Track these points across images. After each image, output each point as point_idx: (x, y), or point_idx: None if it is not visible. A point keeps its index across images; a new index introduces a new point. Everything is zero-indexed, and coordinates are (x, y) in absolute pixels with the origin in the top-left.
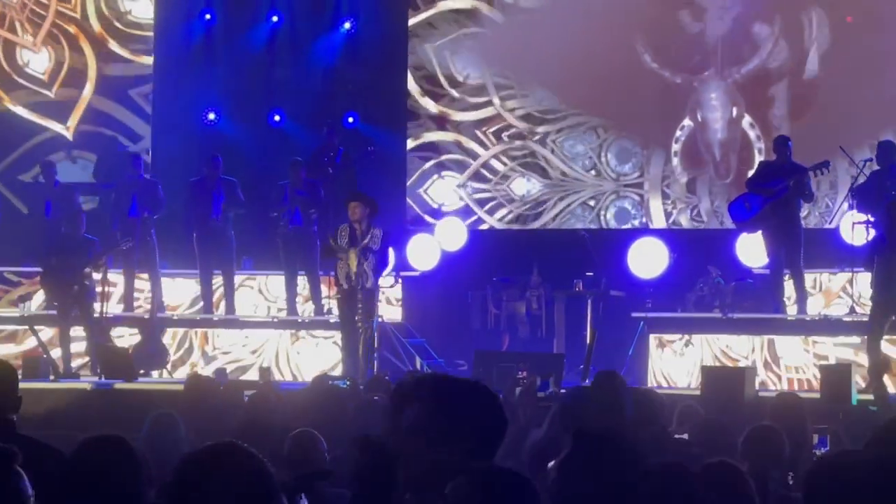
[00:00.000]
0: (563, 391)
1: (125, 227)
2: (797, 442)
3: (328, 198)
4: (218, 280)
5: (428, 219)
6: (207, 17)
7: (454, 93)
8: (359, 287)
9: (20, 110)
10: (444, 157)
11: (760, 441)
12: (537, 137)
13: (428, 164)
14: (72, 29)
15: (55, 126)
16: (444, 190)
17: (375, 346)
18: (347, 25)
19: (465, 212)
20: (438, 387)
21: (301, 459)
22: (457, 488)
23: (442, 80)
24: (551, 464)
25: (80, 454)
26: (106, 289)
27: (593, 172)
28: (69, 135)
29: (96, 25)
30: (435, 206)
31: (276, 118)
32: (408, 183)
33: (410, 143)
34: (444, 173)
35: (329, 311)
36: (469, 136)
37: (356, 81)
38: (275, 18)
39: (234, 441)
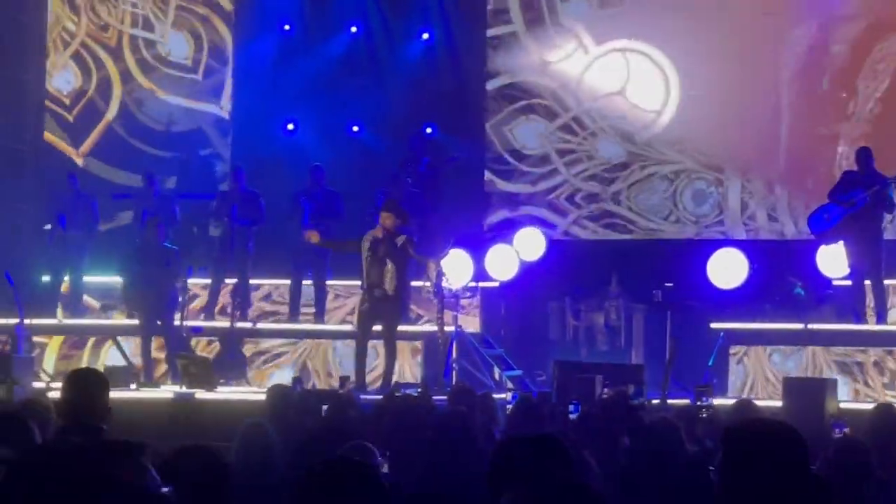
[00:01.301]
0: (649, 401)
1: (223, 237)
2: (888, 455)
3: (410, 208)
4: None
5: (508, 158)
6: (286, 27)
7: (557, 39)
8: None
9: (173, 98)
10: (534, 101)
11: (848, 454)
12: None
13: (518, 104)
14: (202, 10)
15: (210, 108)
16: (528, 133)
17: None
18: (426, 36)
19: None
20: None
21: None
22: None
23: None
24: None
25: (170, 464)
26: (187, 298)
27: (673, 219)
28: (226, 114)
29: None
30: (517, 146)
31: (355, 129)
32: (491, 122)
33: (504, 80)
34: (531, 116)
35: (417, 320)
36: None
37: (435, 92)
38: (353, 29)
39: (352, 457)
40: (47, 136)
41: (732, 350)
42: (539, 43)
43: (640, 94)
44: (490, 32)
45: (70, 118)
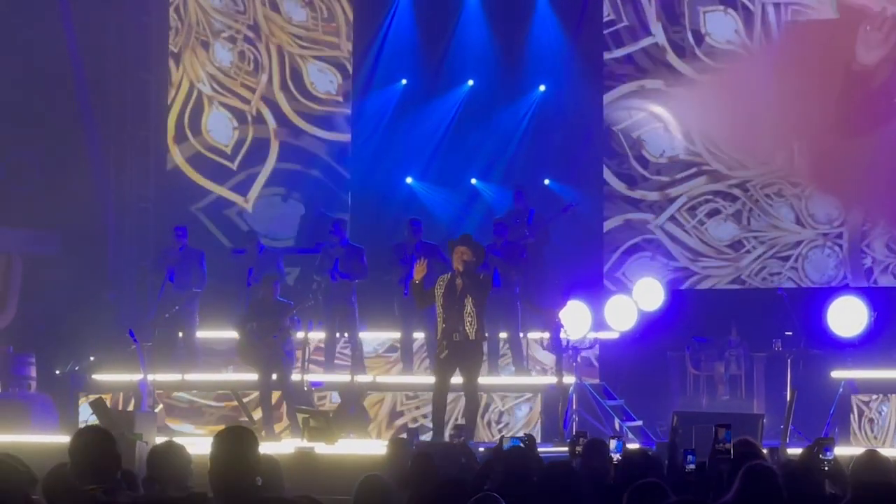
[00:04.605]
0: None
1: (327, 290)
2: None
3: (522, 262)
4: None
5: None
6: (403, 82)
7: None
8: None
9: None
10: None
11: None
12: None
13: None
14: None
15: (238, 198)
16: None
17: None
18: (542, 88)
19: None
20: None
21: None
22: None
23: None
24: None
25: None
26: (308, 352)
27: (794, 223)
28: (250, 207)
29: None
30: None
31: (473, 181)
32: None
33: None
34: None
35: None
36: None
37: (551, 144)
38: (470, 83)
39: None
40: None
41: None
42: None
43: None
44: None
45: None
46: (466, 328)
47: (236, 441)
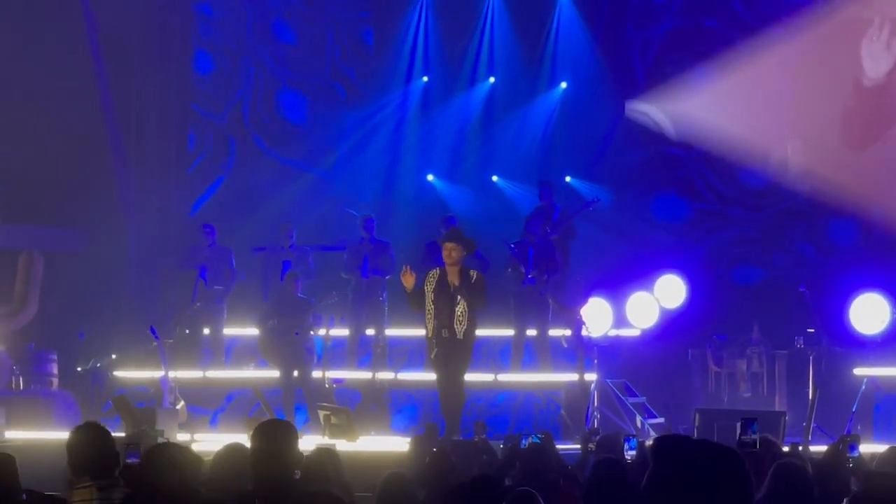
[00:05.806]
0: (786, 449)
1: (357, 287)
2: None
3: (547, 258)
4: None
5: None
6: (425, 79)
7: None
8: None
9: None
10: None
11: None
12: None
13: None
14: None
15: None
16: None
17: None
18: (564, 85)
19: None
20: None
21: None
22: None
23: None
24: None
25: None
26: (329, 348)
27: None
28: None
29: None
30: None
31: (494, 178)
32: None
33: None
34: None
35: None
36: None
37: (573, 141)
38: (491, 80)
39: None
40: None
41: None
42: None
43: None
44: None
45: None
46: (456, 326)
47: (276, 435)
